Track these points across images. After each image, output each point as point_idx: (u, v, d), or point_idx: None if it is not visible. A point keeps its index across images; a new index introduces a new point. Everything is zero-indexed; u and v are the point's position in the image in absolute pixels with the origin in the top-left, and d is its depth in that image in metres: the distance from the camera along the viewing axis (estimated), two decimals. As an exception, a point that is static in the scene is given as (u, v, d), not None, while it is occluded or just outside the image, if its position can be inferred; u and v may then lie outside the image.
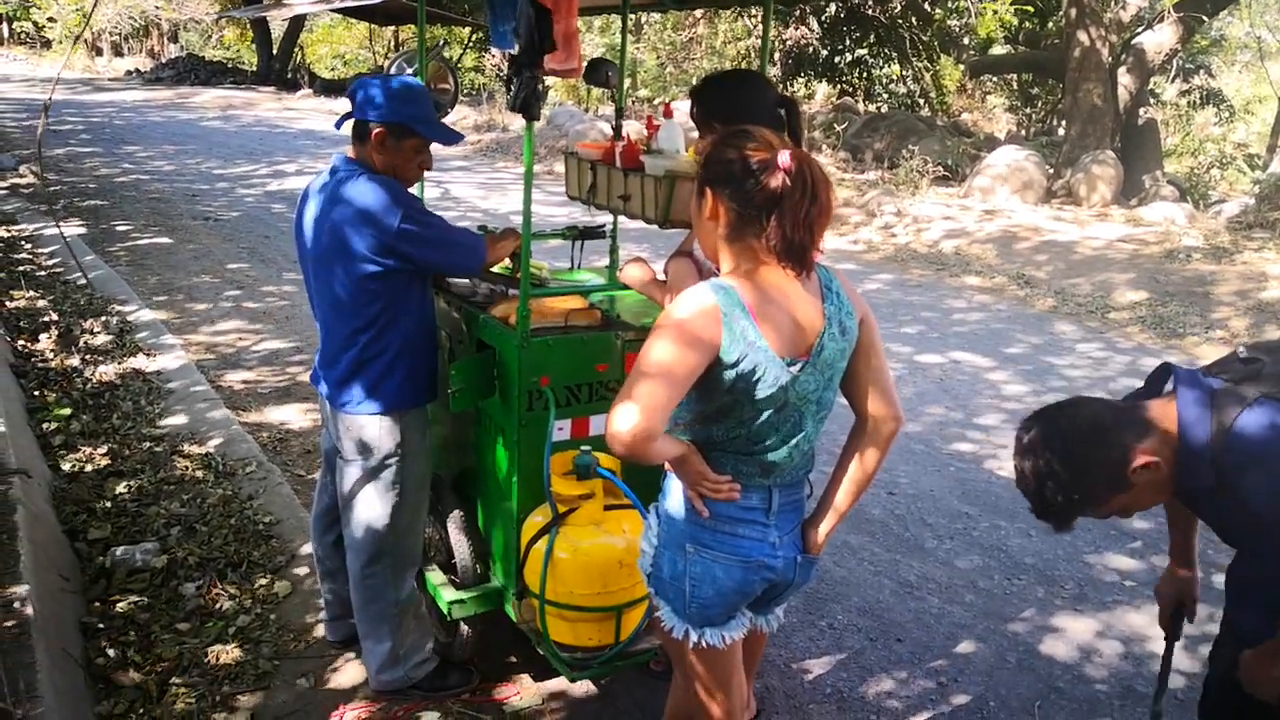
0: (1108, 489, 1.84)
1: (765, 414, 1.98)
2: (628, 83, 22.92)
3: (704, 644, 2.13)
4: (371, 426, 2.85)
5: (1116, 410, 1.88)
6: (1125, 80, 13.59)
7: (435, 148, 2.91)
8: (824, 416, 2.10)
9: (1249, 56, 22.12)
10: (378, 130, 2.73)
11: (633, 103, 20.66)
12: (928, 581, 4.03)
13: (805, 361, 1.97)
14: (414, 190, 3.00)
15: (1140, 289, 8.85)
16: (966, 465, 5.21)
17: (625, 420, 1.83)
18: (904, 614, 3.77)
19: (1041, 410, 1.95)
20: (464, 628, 3.12)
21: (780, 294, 1.95)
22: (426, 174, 2.98)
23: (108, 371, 5.67)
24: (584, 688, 3.18)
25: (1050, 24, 17.36)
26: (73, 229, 8.98)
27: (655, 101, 21.12)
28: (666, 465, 2.11)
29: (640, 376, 1.86)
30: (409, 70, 3.91)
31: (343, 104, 2.98)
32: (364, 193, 2.68)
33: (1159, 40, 13.76)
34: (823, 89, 19.90)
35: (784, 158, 1.89)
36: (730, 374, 1.91)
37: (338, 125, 2.88)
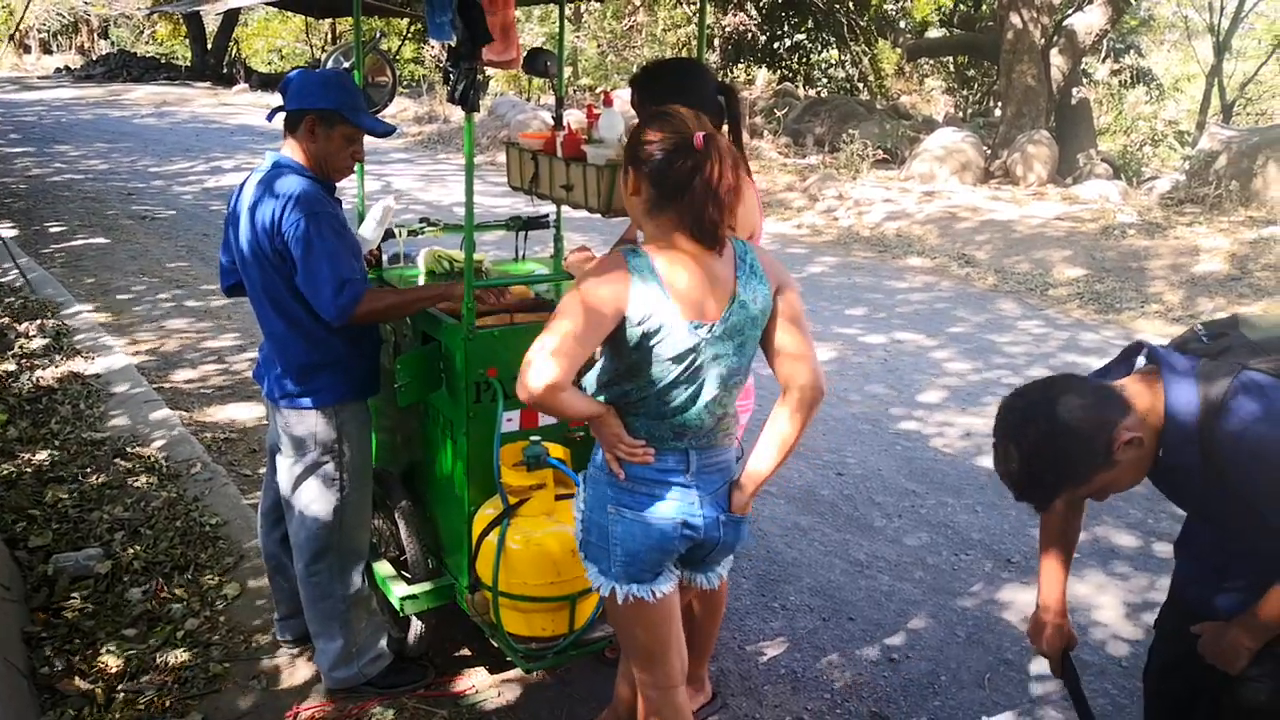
0: (1093, 467, 1.86)
1: (673, 374, 2.07)
2: (569, 71, 22.81)
3: (631, 598, 2.20)
4: (308, 421, 2.83)
5: (1097, 389, 1.90)
6: (1058, 61, 13.83)
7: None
8: (737, 383, 2.18)
9: (1177, 36, 22.63)
10: (308, 118, 2.73)
11: (574, 91, 20.56)
12: (878, 560, 4.09)
13: (713, 325, 2.07)
14: (352, 180, 2.97)
15: (1078, 265, 9.05)
16: (913, 444, 5.30)
17: (532, 370, 1.94)
18: (855, 593, 3.83)
19: (1022, 389, 1.96)
20: (417, 623, 3.11)
21: (691, 262, 2.06)
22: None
23: (45, 375, 5.53)
24: (540, 677, 3.19)
25: (984, 6, 17.62)
26: (3, 231, 8.73)
27: (597, 90, 21.06)
28: (594, 434, 2.19)
29: (551, 331, 1.97)
30: (346, 64, 3.86)
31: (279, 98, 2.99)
32: (283, 188, 2.69)
33: (1089, 21, 14.02)
34: (763, 74, 19.96)
35: (696, 139, 2.02)
36: (636, 331, 2.02)
37: (269, 117, 2.87)
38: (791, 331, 2.16)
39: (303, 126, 2.76)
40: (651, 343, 2.03)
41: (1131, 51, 21.02)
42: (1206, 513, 2.05)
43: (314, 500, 2.88)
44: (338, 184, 2.89)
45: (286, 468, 2.90)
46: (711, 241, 2.06)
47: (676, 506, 2.16)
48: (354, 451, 2.90)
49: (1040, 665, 3.40)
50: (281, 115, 2.81)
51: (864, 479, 4.85)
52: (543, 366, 1.93)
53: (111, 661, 3.12)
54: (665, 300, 2.02)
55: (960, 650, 3.50)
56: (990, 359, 6.75)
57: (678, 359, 2.05)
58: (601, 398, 2.17)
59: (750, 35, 19.86)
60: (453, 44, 2.60)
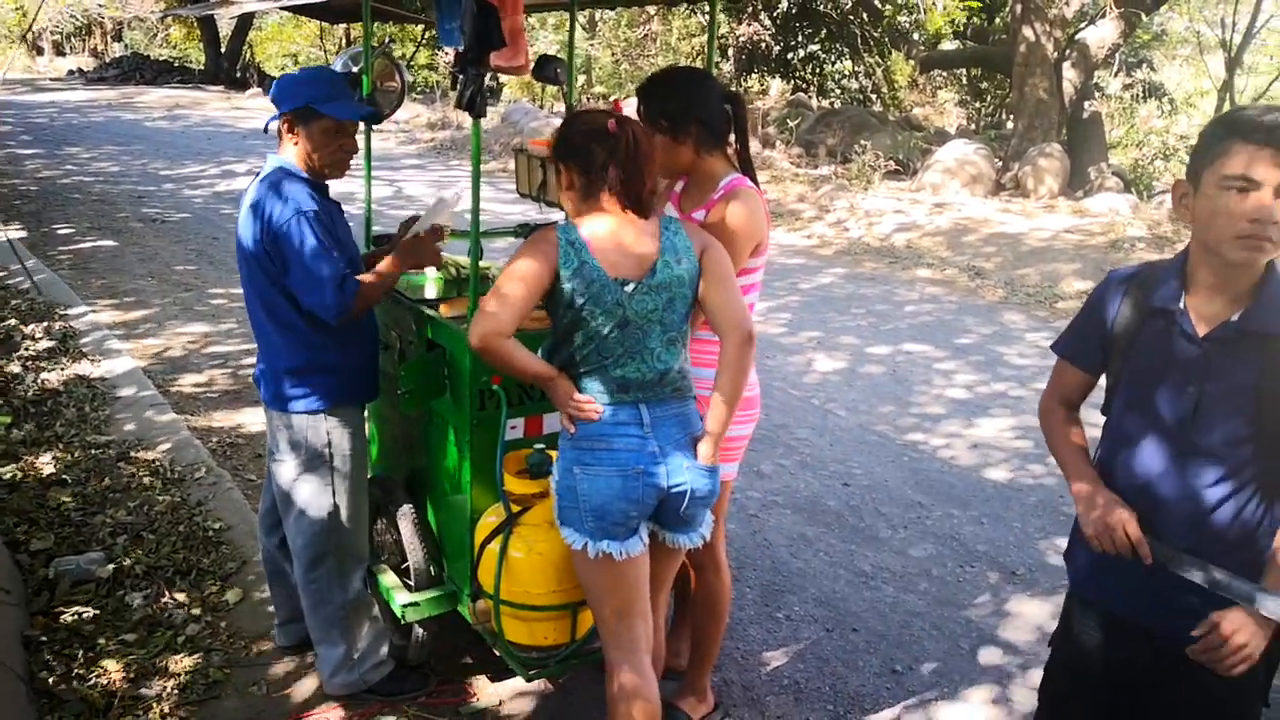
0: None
1: (608, 329, 2.30)
2: (583, 80, 22.87)
3: (600, 554, 2.35)
4: (299, 425, 2.84)
5: None
6: (1070, 75, 13.80)
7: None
8: (673, 338, 2.38)
9: (1189, 51, 22.57)
10: (285, 119, 2.75)
11: (588, 100, 20.60)
12: (882, 571, 4.06)
13: (639, 282, 2.30)
14: (342, 184, 2.96)
15: (1086, 278, 9.00)
16: (920, 455, 5.27)
17: (476, 321, 2.26)
18: (859, 604, 3.81)
19: None
20: (419, 630, 3.10)
21: (615, 228, 2.32)
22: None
23: (50, 378, 5.54)
24: (541, 686, 3.17)
25: (997, 20, 17.60)
26: (12, 233, 8.77)
27: (611, 98, 21.08)
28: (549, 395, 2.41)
29: (493, 289, 2.29)
30: (354, 68, 3.86)
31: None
32: (272, 191, 2.70)
33: (1101, 35, 14.00)
34: (776, 85, 19.97)
35: (609, 124, 2.31)
36: (568, 287, 2.27)
37: (264, 129, 2.88)
38: (719, 287, 2.37)
39: (282, 128, 2.77)
40: (582, 299, 2.27)
41: (1144, 66, 20.94)
42: (1217, 422, 1.87)
43: (308, 505, 2.87)
44: (336, 180, 2.88)
45: (280, 472, 2.90)
46: (641, 208, 2.33)
47: (634, 456, 2.32)
48: (346, 457, 2.89)
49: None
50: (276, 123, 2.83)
51: (870, 490, 4.82)
52: (484, 317, 2.25)
53: (111, 667, 3.11)
54: (590, 259, 2.28)
55: (964, 663, 3.47)
56: (998, 371, 6.72)
57: (608, 314, 2.29)
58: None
59: (764, 45, 19.86)
60: (461, 50, 2.60)
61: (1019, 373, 6.69)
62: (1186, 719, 2.01)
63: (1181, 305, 1.92)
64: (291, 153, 2.80)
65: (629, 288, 2.29)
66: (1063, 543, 4.28)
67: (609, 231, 2.32)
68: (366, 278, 2.77)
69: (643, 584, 2.44)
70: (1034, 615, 3.78)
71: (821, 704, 3.21)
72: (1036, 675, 3.37)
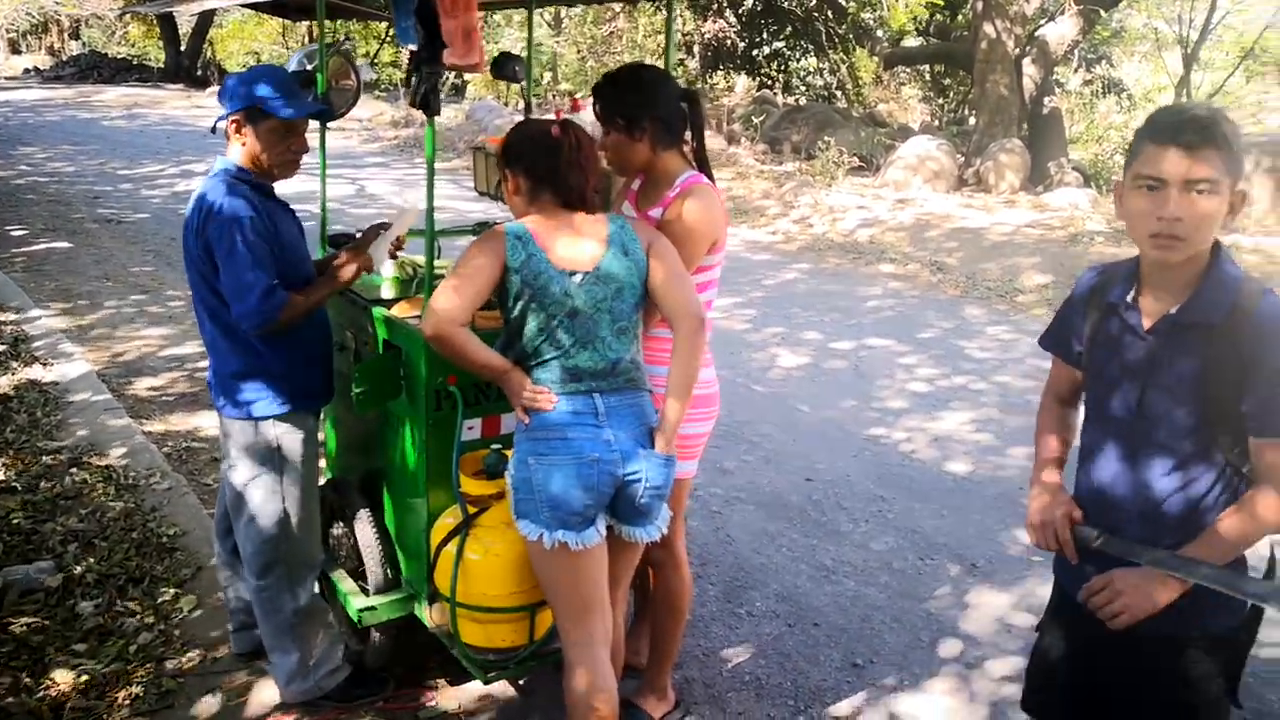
0: None
1: (558, 319, 2.35)
2: (549, 77, 22.77)
3: (557, 544, 2.35)
4: (246, 430, 2.79)
5: None
6: (1030, 71, 13.93)
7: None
8: (624, 328, 2.43)
9: (1147, 47, 22.85)
10: (232, 119, 2.71)
11: (553, 97, 20.53)
12: (844, 565, 4.08)
13: (586, 273, 2.36)
14: (300, 183, 2.91)
15: (1046, 272, 9.10)
16: (881, 449, 5.29)
17: (428, 313, 2.32)
18: (821, 598, 3.82)
19: None
20: (376, 634, 3.06)
21: (562, 224, 2.41)
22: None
23: (0, 383, 5.43)
24: (501, 688, 3.15)
25: (960, 16, 17.73)
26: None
27: (576, 95, 21.01)
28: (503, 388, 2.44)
29: (445, 280, 2.35)
30: (309, 65, 3.81)
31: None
32: (212, 192, 2.66)
33: (1061, 32, 14.14)
34: (742, 81, 20.00)
35: (553, 130, 2.42)
36: (517, 279, 2.33)
37: (212, 129, 2.82)
38: (668, 278, 2.43)
39: (232, 129, 2.73)
40: (530, 290, 2.33)
41: (1103, 62, 21.20)
42: (1183, 388, 1.90)
43: (258, 512, 2.82)
44: (294, 178, 2.84)
45: (231, 478, 2.85)
46: (584, 204, 2.43)
47: (589, 445, 2.34)
48: (297, 463, 2.84)
49: (1006, 664, 3.40)
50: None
51: (832, 484, 4.83)
52: (437, 307, 2.29)
53: (61, 678, 3.05)
54: (538, 252, 2.34)
55: (924, 655, 3.49)
56: (958, 364, 6.77)
57: (557, 304, 2.34)
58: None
59: (730, 42, 19.89)
60: (415, 48, 2.57)
61: (979, 366, 6.75)
62: (1144, 694, 2.05)
63: (1129, 300, 1.96)
64: (239, 153, 2.75)
65: (576, 278, 2.35)
66: (1020, 533, 4.34)
67: (555, 226, 2.39)
68: (297, 295, 2.72)
69: (600, 578, 2.45)
70: (994, 607, 3.81)
71: (783, 699, 3.21)
72: (996, 666, 3.42)
